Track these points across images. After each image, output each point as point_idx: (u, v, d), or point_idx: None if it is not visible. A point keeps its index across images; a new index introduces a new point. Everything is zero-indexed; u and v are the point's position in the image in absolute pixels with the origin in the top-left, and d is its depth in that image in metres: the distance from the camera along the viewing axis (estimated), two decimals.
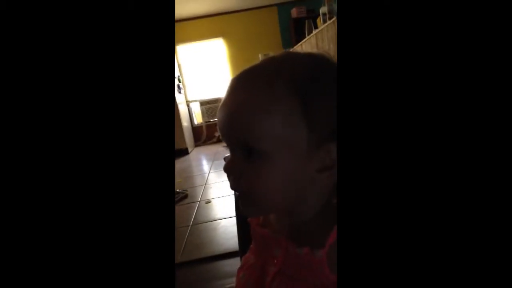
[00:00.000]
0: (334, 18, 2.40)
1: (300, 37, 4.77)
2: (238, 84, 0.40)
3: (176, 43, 5.22)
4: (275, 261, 0.45)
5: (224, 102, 0.41)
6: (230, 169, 0.42)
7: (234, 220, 2.16)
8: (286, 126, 0.37)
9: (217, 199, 2.47)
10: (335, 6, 2.68)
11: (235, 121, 0.39)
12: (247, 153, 0.39)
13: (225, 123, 0.40)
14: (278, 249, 0.44)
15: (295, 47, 3.48)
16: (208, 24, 5.25)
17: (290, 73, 0.38)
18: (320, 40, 2.67)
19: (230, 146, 0.42)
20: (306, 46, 3.04)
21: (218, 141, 5.44)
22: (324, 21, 2.76)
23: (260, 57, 4.39)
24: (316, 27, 3.04)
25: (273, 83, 0.38)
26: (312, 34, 2.89)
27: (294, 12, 5.13)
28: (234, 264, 1.51)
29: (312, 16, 4.18)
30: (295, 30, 5.03)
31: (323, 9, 2.90)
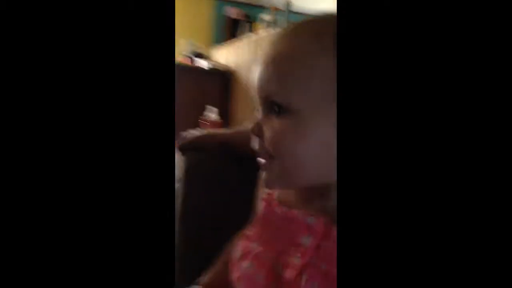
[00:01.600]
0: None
1: (233, 38, 4.77)
2: (284, 34, 0.37)
3: None
4: (302, 250, 0.38)
5: (265, 54, 0.38)
6: (257, 129, 0.37)
7: None
8: (328, 82, 0.34)
9: None
10: (279, 19, 2.73)
11: (272, 72, 0.36)
12: (281, 110, 0.36)
13: (262, 75, 0.37)
14: (308, 236, 0.38)
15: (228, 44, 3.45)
16: None
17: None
18: (260, 47, 2.69)
19: (262, 102, 0.38)
20: (243, 48, 3.03)
21: None
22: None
23: (188, 46, 4.24)
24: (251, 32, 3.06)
25: (321, 35, 0.35)
26: (251, 38, 2.90)
27: (230, 11, 5.11)
28: None
29: (248, 21, 4.20)
30: (230, 29, 5.01)
31: (266, 17, 2.95)
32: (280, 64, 0.36)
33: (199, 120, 2.37)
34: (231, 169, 0.74)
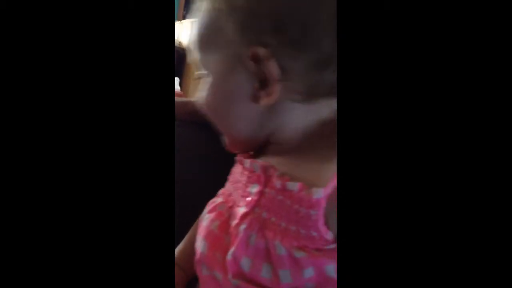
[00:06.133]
0: None
1: (188, 14, 4.65)
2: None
3: None
4: (249, 199, 0.36)
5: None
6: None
7: None
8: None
9: None
10: None
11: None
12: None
13: None
14: (255, 185, 0.37)
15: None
16: None
17: None
18: None
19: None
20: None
21: None
22: None
23: None
24: None
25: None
26: None
27: None
28: None
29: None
30: (186, 6, 4.87)
31: None
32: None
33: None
34: (203, 136, 0.73)
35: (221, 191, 0.44)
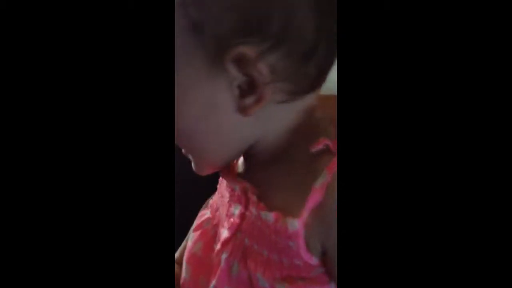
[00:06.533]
0: None
1: None
2: None
3: None
4: (231, 221, 0.34)
5: None
6: None
7: None
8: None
9: None
10: None
11: None
12: None
13: None
14: (237, 205, 0.34)
15: None
16: None
17: None
18: None
19: None
20: None
21: None
22: None
23: None
24: None
25: None
26: None
27: None
28: None
29: None
30: None
31: None
32: None
33: None
34: None
35: (210, 202, 0.42)
